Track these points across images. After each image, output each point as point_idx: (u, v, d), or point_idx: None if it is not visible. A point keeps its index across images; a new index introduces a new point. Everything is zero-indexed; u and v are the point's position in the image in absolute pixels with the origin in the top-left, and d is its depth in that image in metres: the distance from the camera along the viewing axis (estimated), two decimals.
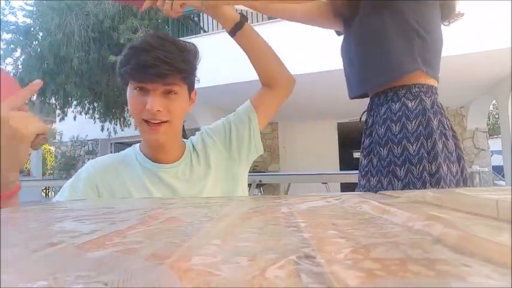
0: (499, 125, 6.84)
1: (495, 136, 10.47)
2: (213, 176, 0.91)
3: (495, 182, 7.79)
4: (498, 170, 7.99)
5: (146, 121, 0.80)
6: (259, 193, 6.53)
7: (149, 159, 0.88)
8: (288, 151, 8.80)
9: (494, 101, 6.97)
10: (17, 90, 0.65)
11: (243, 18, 0.92)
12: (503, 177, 6.71)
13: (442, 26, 0.97)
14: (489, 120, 11.85)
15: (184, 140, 0.97)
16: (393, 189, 0.81)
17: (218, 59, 5.83)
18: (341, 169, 8.16)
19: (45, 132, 0.65)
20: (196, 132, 1.01)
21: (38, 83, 0.65)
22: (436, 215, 0.30)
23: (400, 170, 0.81)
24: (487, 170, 6.93)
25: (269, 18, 5.65)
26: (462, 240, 0.21)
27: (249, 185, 3.99)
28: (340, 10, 0.98)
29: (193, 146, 0.96)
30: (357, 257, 0.19)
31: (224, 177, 0.93)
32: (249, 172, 1.00)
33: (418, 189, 0.79)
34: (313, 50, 5.26)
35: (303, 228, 0.29)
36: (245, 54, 0.96)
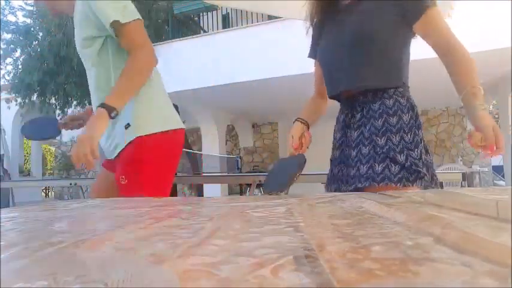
0: (499, 125, 6.82)
1: None
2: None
3: (495, 182, 7.78)
4: (498, 170, 7.98)
5: None
6: (259, 193, 6.51)
7: None
8: (288, 151, 8.78)
9: (494, 101, 6.96)
10: None
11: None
12: (503, 177, 6.70)
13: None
14: None
15: None
16: (390, 173, 0.96)
17: (218, 59, 5.83)
18: None
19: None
20: None
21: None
22: (436, 215, 0.30)
23: (400, 155, 0.98)
24: (487, 170, 6.91)
25: (269, 18, 5.64)
26: (462, 240, 0.21)
27: (249, 185, 3.98)
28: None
29: None
30: (357, 257, 0.19)
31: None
32: (249, 172, 0.98)
33: (420, 169, 0.95)
34: None
35: (303, 228, 0.29)
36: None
